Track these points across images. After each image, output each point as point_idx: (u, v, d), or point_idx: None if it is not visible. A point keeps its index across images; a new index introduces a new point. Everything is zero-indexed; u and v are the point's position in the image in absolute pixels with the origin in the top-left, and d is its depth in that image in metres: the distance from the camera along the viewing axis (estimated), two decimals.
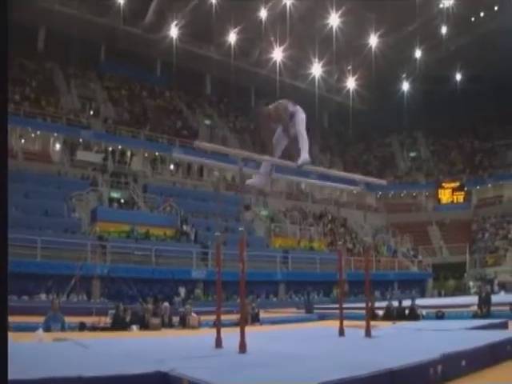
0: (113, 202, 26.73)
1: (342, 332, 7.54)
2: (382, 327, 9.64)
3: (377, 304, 17.82)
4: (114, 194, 27.55)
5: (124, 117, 34.44)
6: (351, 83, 43.45)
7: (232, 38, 38.20)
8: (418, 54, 41.75)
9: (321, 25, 36.82)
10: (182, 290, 23.07)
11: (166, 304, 13.86)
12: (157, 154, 33.12)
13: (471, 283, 32.61)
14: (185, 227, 26.57)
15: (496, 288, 29.09)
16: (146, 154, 32.99)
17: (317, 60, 40.05)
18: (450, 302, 19.88)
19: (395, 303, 15.89)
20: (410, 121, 42.50)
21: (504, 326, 9.81)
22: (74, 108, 32.51)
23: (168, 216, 27.06)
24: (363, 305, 8.22)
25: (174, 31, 37.11)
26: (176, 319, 13.11)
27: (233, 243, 17.94)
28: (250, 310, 14.19)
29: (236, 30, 37.45)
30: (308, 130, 6.55)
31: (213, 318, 9.61)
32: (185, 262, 24.26)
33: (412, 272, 34.75)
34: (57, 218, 23.40)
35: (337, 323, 7.80)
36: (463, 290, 32.83)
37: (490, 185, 41.39)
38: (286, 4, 35.73)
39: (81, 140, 30.56)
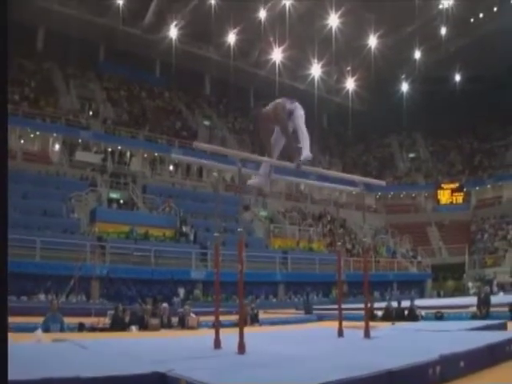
0: (112, 203, 26.71)
1: (341, 333, 7.53)
2: (381, 328, 9.65)
3: (376, 305, 17.81)
4: (113, 195, 27.54)
5: (123, 117, 34.45)
6: (350, 84, 43.44)
7: (231, 38, 38.19)
8: (417, 54, 41.77)
9: (320, 25, 36.80)
10: (182, 291, 23.06)
11: (165, 305, 13.86)
12: (156, 154, 33.12)
13: (470, 284, 32.61)
14: (184, 228, 26.55)
15: (495, 289, 29.08)
16: (145, 155, 32.97)
17: (316, 61, 40.05)
18: (449, 303, 19.87)
19: (394, 304, 15.92)
20: (409, 121, 42.51)
21: (503, 326, 9.80)
22: (73, 108, 32.49)
23: (167, 217, 27.07)
24: (362, 305, 8.19)
25: (173, 32, 37.09)
26: (175, 320, 13.11)
27: (232, 244, 17.92)
28: (250, 310, 14.21)
29: (235, 30, 37.44)
30: (307, 128, 6.56)
31: (212, 318, 9.61)
32: (184, 262, 24.24)
33: (411, 273, 34.76)
34: (56, 218, 23.40)
35: (336, 324, 7.79)
36: (462, 291, 32.85)
37: (489, 185, 41.43)
38: (285, 5, 35.74)
39: (80, 140, 30.56)
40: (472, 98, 39.48)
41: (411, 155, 47.98)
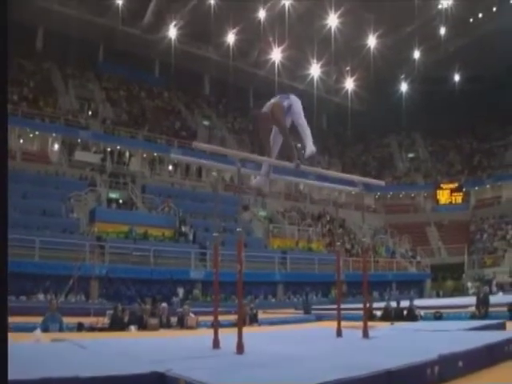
0: (111, 203, 26.72)
1: (339, 333, 7.53)
2: (379, 328, 9.65)
3: (375, 305, 17.82)
4: (113, 195, 27.54)
5: (122, 117, 34.45)
6: (350, 84, 43.45)
7: (230, 38, 38.19)
8: (416, 54, 41.80)
9: (319, 25, 36.80)
10: (181, 291, 23.07)
11: (164, 304, 13.85)
12: (155, 154, 33.13)
13: (469, 284, 32.65)
14: (183, 228, 26.56)
15: (494, 289, 29.10)
16: (145, 155, 32.99)
17: (315, 61, 40.04)
18: (448, 303, 19.88)
19: (393, 304, 15.92)
20: (408, 122, 42.50)
21: (502, 326, 9.80)
22: (72, 108, 32.50)
23: (166, 216, 27.08)
24: (361, 305, 8.20)
25: (172, 32, 37.10)
26: (174, 320, 13.10)
27: (231, 244, 17.91)
28: (249, 310, 14.20)
29: (234, 30, 37.44)
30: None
31: (211, 318, 9.61)
32: (183, 262, 24.26)
33: (410, 273, 34.78)
34: (55, 218, 23.41)
35: (335, 324, 7.79)
36: (461, 291, 32.89)
37: (488, 185, 41.45)
38: (284, 5, 35.75)
39: (79, 140, 30.57)
40: (471, 98, 39.52)
41: (410, 155, 48.00)
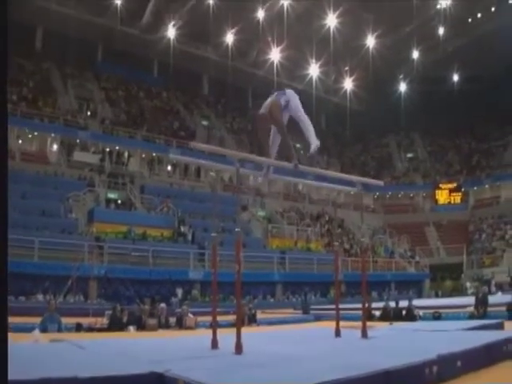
0: (110, 203, 26.69)
1: (338, 333, 7.54)
2: (378, 328, 9.65)
3: (374, 305, 17.83)
4: (111, 195, 27.52)
5: (121, 117, 34.44)
6: (348, 84, 43.45)
7: (229, 38, 38.18)
8: (415, 54, 41.81)
9: (318, 25, 36.78)
10: (179, 291, 23.05)
11: (163, 305, 13.83)
12: (154, 154, 33.10)
13: (468, 284, 32.68)
14: (182, 228, 26.55)
15: (493, 289, 29.12)
16: (143, 155, 32.96)
17: (314, 61, 40.04)
18: (446, 303, 19.90)
19: (392, 304, 15.92)
20: (407, 121, 42.56)
21: (500, 326, 9.81)
22: (71, 108, 32.48)
23: (165, 217, 27.07)
24: (360, 305, 8.20)
25: (171, 32, 37.08)
26: (173, 320, 13.09)
27: (230, 244, 17.92)
28: (247, 310, 14.20)
29: (233, 30, 37.42)
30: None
31: (210, 318, 9.60)
32: (182, 262, 24.25)
33: (409, 273, 34.77)
34: (54, 218, 23.40)
35: (333, 324, 7.80)
36: (460, 291, 32.91)
37: (487, 185, 41.46)
38: (283, 5, 35.74)
39: (78, 141, 30.55)
40: (470, 97, 39.55)
41: (409, 155, 48.01)
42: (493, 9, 39.31)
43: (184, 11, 35.72)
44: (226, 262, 16.33)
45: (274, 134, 6.63)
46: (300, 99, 6.63)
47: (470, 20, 40.27)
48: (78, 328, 11.98)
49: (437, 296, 32.59)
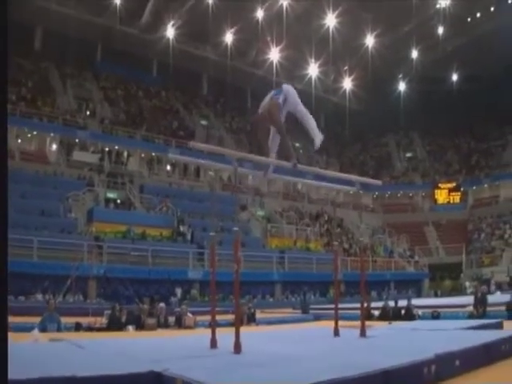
0: (109, 203, 26.70)
1: (337, 332, 7.55)
2: (377, 327, 9.66)
3: (373, 304, 17.84)
4: (111, 195, 27.52)
5: (120, 117, 34.43)
6: (348, 83, 43.44)
7: (228, 38, 38.18)
8: (414, 54, 41.81)
9: (317, 25, 36.78)
10: (179, 291, 23.06)
11: (162, 304, 13.84)
12: (153, 154, 33.08)
13: (467, 283, 32.67)
14: (181, 227, 26.55)
15: (492, 288, 29.12)
16: (143, 155, 32.95)
17: (313, 60, 40.06)
18: (446, 302, 19.91)
19: (391, 303, 15.93)
20: (406, 121, 42.57)
21: (499, 326, 9.82)
22: (70, 108, 32.49)
23: (164, 216, 27.08)
24: (359, 305, 8.21)
25: (170, 31, 37.06)
26: (172, 319, 13.10)
27: (229, 243, 17.87)
28: (246, 310, 14.20)
29: (232, 30, 37.41)
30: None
31: (209, 318, 9.61)
32: (181, 262, 24.26)
33: (408, 272, 34.78)
34: (53, 218, 23.39)
35: (332, 323, 7.81)
36: (459, 291, 32.92)
37: (486, 185, 41.46)
38: (282, 4, 35.74)
39: (77, 140, 30.52)
40: (469, 97, 39.54)
41: (408, 155, 48.01)
42: (492, 8, 39.33)
43: (183, 11, 35.72)
44: (225, 262, 16.37)
45: (273, 134, 6.63)
46: (299, 99, 6.62)
47: (469, 19, 40.27)
48: (78, 327, 11.99)
49: (436, 295, 32.60)
